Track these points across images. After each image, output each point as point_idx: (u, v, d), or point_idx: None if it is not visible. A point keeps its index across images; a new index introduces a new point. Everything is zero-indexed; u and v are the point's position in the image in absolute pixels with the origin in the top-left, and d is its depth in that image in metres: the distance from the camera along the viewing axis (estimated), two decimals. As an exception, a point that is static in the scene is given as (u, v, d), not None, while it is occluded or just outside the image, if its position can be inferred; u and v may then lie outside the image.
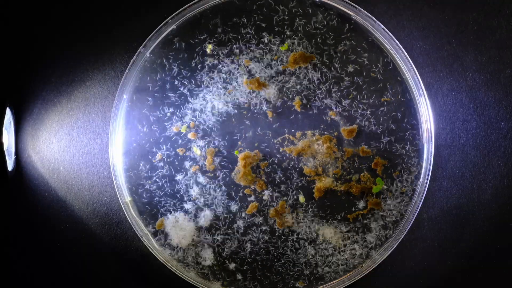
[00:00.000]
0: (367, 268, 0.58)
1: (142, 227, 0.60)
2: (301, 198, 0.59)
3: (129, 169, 0.59)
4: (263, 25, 0.58)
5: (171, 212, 0.59)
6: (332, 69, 0.58)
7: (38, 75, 0.60)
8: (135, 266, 0.61)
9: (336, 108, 0.58)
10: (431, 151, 0.57)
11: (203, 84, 0.59)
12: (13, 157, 0.59)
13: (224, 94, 0.59)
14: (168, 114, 0.59)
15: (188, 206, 0.59)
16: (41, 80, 0.60)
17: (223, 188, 0.59)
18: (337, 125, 0.58)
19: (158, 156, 0.59)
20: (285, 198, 0.59)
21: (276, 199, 0.59)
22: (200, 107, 0.59)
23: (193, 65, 0.59)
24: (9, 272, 0.61)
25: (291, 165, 0.59)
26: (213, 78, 0.59)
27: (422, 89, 0.57)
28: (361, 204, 0.59)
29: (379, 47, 0.58)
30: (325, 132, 0.58)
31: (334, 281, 0.59)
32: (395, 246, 0.58)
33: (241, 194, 0.59)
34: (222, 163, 0.59)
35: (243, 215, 0.59)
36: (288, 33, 0.58)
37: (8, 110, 0.58)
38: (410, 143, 0.58)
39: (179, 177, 0.59)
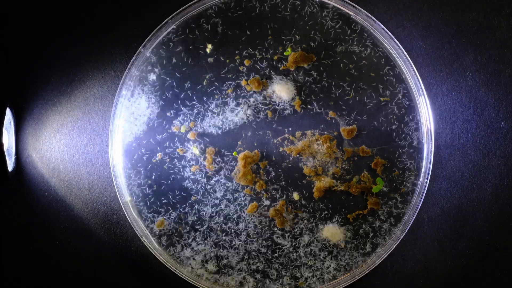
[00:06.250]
0: (367, 268, 0.58)
1: (142, 227, 0.60)
2: (296, 196, 0.59)
3: (129, 169, 0.59)
4: (263, 24, 0.58)
5: (171, 212, 0.59)
6: (332, 69, 0.58)
7: (38, 75, 0.60)
8: (135, 266, 0.61)
9: (336, 108, 0.58)
10: (431, 151, 0.57)
11: (203, 84, 0.59)
12: (13, 157, 0.59)
13: (224, 94, 0.59)
14: (168, 114, 0.59)
15: (187, 206, 0.59)
16: (41, 80, 0.60)
17: (223, 188, 0.59)
18: (337, 125, 0.58)
19: (158, 156, 0.59)
20: (285, 198, 0.59)
21: (276, 199, 0.59)
22: (199, 107, 0.59)
23: (193, 65, 0.59)
24: (9, 272, 0.61)
25: (291, 165, 0.59)
26: (212, 78, 0.59)
27: (422, 89, 0.57)
28: (361, 204, 0.59)
29: (379, 47, 0.58)
30: (325, 132, 0.58)
31: (334, 281, 0.59)
32: (395, 246, 0.58)
33: (241, 194, 0.59)
34: (222, 163, 0.59)
35: (243, 215, 0.59)
36: (288, 34, 0.58)
37: (8, 111, 0.58)
38: (410, 143, 0.58)
39: (179, 177, 0.59)
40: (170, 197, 0.59)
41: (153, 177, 0.59)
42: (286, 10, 0.58)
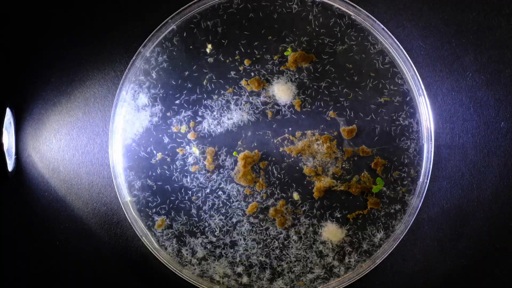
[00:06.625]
0: (367, 268, 0.58)
1: (142, 227, 0.60)
2: (296, 196, 0.59)
3: (129, 169, 0.59)
4: (263, 24, 0.58)
5: (171, 212, 0.59)
6: (332, 69, 0.58)
7: (38, 75, 0.60)
8: (135, 266, 0.61)
9: (336, 108, 0.58)
10: (431, 151, 0.57)
11: (203, 84, 0.59)
12: (13, 157, 0.59)
13: (224, 94, 0.59)
14: (168, 114, 0.59)
15: (187, 206, 0.59)
16: (41, 80, 0.60)
17: (223, 188, 0.59)
18: (337, 125, 0.58)
19: (158, 156, 0.59)
20: (285, 198, 0.59)
21: (276, 199, 0.59)
22: (199, 107, 0.59)
23: (193, 65, 0.59)
24: (9, 272, 0.61)
25: (290, 165, 0.59)
26: (212, 78, 0.59)
27: (422, 89, 0.57)
28: (361, 204, 0.59)
29: (379, 47, 0.58)
30: (325, 132, 0.58)
31: (334, 281, 0.59)
32: (395, 246, 0.58)
33: (241, 194, 0.59)
34: (222, 163, 0.59)
35: (243, 215, 0.59)
36: (288, 34, 0.58)
37: (8, 111, 0.58)
38: (410, 143, 0.58)
39: (179, 177, 0.59)
40: (170, 197, 0.59)
41: (153, 177, 0.59)
42: (286, 10, 0.58)
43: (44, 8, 0.60)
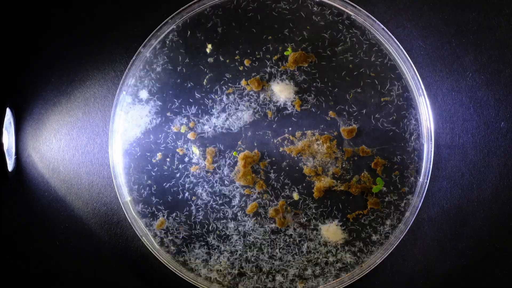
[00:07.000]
0: (367, 268, 0.58)
1: (142, 227, 0.60)
2: (296, 196, 0.59)
3: (129, 169, 0.59)
4: (263, 24, 0.58)
5: (171, 212, 0.59)
6: (332, 69, 0.58)
7: (38, 75, 0.60)
8: (135, 266, 0.61)
9: (336, 108, 0.58)
10: (431, 151, 0.57)
11: (203, 84, 0.59)
12: (13, 157, 0.59)
13: (224, 94, 0.59)
14: (168, 114, 0.59)
15: (187, 206, 0.59)
16: (41, 80, 0.60)
17: (223, 188, 0.59)
18: (337, 125, 0.58)
19: (158, 156, 0.59)
20: (285, 198, 0.59)
21: (276, 199, 0.59)
22: (199, 107, 0.59)
23: (193, 65, 0.59)
24: (9, 272, 0.61)
25: (290, 165, 0.59)
26: (212, 78, 0.59)
27: (422, 89, 0.57)
28: (361, 204, 0.59)
29: (379, 47, 0.58)
30: (325, 132, 0.58)
31: (334, 281, 0.59)
32: (395, 246, 0.58)
33: (241, 194, 0.59)
34: (222, 163, 0.59)
35: (243, 215, 0.59)
36: (288, 34, 0.58)
37: (8, 111, 0.58)
38: (410, 143, 0.58)
39: (179, 177, 0.59)
40: (170, 197, 0.59)
41: (153, 177, 0.59)
42: (286, 10, 0.58)
43: (44, 8, 0.60)
